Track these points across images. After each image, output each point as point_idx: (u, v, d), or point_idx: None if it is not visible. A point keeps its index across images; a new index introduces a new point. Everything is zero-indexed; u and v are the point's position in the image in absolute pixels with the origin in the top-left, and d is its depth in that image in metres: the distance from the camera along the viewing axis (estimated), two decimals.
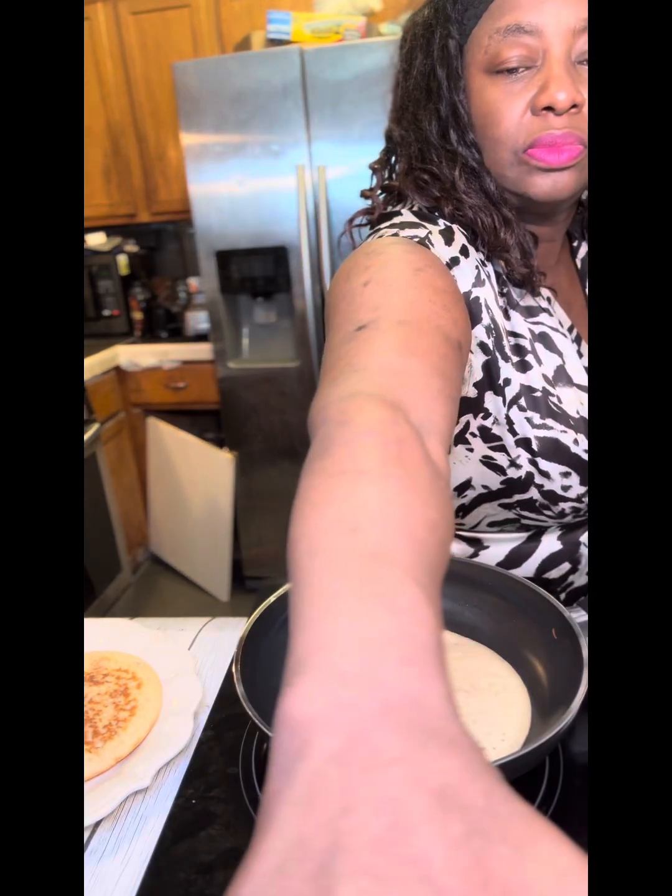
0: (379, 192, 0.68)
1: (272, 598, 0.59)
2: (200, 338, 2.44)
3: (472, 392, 0.62)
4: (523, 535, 0.69)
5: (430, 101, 0.61)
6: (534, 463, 0.62)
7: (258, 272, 2.09)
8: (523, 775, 0.46)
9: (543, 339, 0.63)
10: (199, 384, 2.39)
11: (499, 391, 0.61)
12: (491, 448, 0.63)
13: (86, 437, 2.11)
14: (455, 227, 0.61)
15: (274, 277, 2.09)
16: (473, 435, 0.64)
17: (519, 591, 0.60)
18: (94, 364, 2.27)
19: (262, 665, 0.55)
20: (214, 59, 1.96)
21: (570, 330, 0.66)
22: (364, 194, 0.68)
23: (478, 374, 0.61)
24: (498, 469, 0.64)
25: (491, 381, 0.61)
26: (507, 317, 0.62)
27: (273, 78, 1.90)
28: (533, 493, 0.63)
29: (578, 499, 0.63)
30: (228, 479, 2.29)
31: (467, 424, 0.63)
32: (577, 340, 0.66)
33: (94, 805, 0.48)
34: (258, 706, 0.47)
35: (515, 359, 0.61)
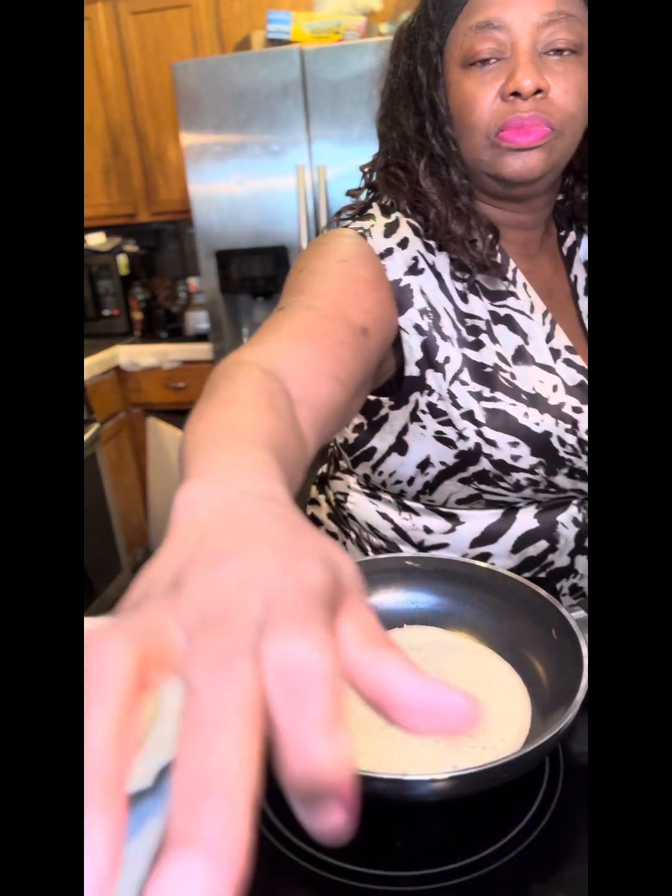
0: (364, 189, 0.74)
1: None
2: (200, 338, 2.44)
3: (415, 371, 0.66)
4: (497, 513, 0.71)
5: (411, 98, 0.67)
6: (480, 433, 0.65)
7: (258, 272, 2.09)
8: (523, 775, 0.46)
9: (507, 320, 0.68)
10: (199, 384, 2.39)
11: (438, 368, 0.66)
12: (440, 423, 0.67)
13: (86, 437, 2.10)
14: (405, 219, 0.67)
15: (274, 277, 2.09)
16: (423, 412, 0.68)
17: (519, 591, 0.60)
18: (94, 364, 2.27)
19: None
20: (214, 59, 1.96)
21: (544, 315, 0.69)
22: (349, 193, 0.75)
23: (418, 354, 0.65)
24: (449, 443, 0.67)
25: (429, 359, 0.66)
26: (465, 300, 0.67)
27: (273, 78, 1.90)
28: (484, 463, 0.66)
29: (531, 470, 0.66)
30: None
31: (416, 403, 0.68)
32: (552, 324, 0.69)
33: None
34: None
35: (470, 338, 0.66)
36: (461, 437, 0.66)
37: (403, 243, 0.66)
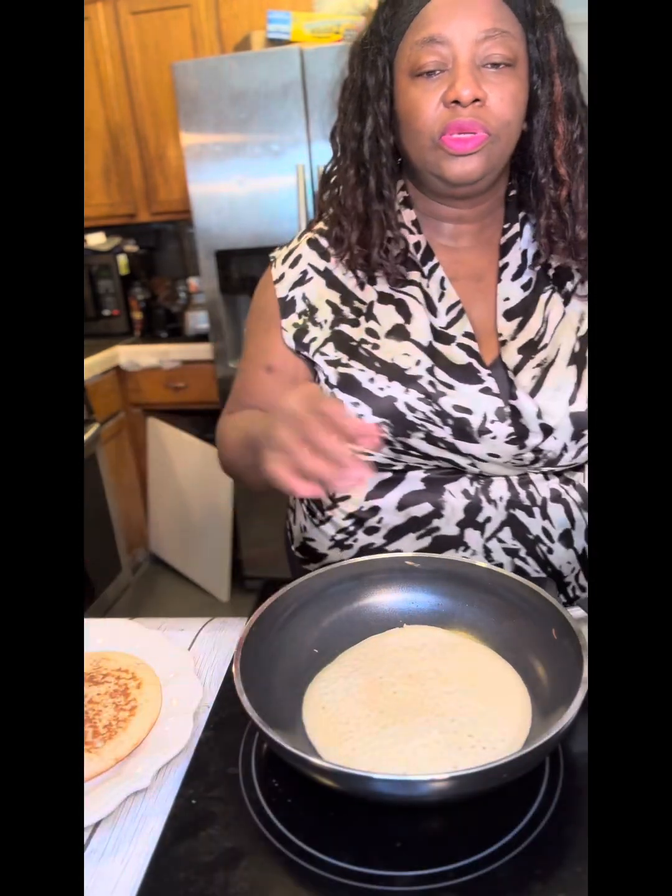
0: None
1: (272, 599, 0.59)
2: (200, 338, 2.44)
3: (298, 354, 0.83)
4: (388, 473, 0.80)
5: (358, 106, 0.76)
6: (332, 394, 0.77)
7: (258, 272, 2.07)
8: (523, 775, 0.46)
9: (398, 303, 0.78)
10: (199, 384, 2.39)
11: (306, 348, 0.81)
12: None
13: (86, 437, 2.10)
14: (307, 237, 0.85)
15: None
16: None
17: (519, 591, 0.60)
18: (94, 364, 2.27)
19: (262, 665, 0.55)
20: (214, 59, 1.96)
21: (453, 306, 0.78)
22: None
23: (291, 343, 0.82)
24: None
25: (299, 342, 0.81)
26: (362, 287, 0.81)
27: (273, 78, 1.90)
28: None
29: (377, 427, 0.73)
30: (228, 479, 2.28)
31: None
32: (460, 313, 0.77)
33: (94, 805, 0.48)
34: (258, 706, 0.47)
35: (350, 316, 0.79)
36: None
37: (295, 262, 0.84)
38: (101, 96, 2.41)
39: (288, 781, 0.50)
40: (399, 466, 0.78)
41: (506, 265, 0.79)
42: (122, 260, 2.61)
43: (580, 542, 0.80)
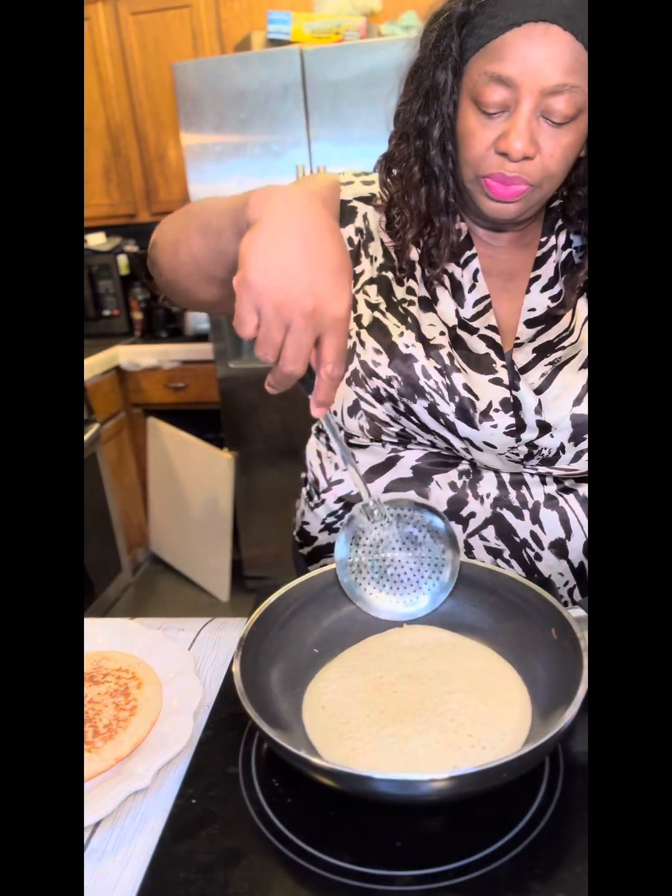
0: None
1: (272, 598, 0.59)
2: (200, 338, 2.44)
3: None
4: (384, 454, 0.79)
5: (426, 102, 0.72)
6: (358, 334, 0.75)
7: None
8: (523, 775, 0.46)
9: (427, 282, 0.77)
10: (199, 384, 2.39)
11: (353, 278, 0.75)
12: None
13: (86, 437, 2.10)
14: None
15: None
16: None
17: (519, 591, 0.60)
18: (94, 364, 2.27)
19: (262, 665, 0.55)
20: (214, 59, 1.96)
21: (481, 300, 0.77)
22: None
23: None
24: None
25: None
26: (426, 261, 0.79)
27: (273, 78, 1.90)
28: (355, 363, 0.75)
29: (388, 381, 0.73)
30: (228, 479, 2.28)
31: None
32: (487, 307, 0.77)
33: (94, 805, 0.48)
34: (258, 706, 0.47)
35: (398, 269, 0.77)
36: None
37: (369, 182, 0.81)
38: (101, 96, 2.41)
39: (288, 781, 0.50)
40: (394, 430, 0.77)
41: (538, 277, 0.78)
42: (122, 260, 2.61)
43: (577, 555, 0.78)
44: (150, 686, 0.60)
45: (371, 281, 0.78)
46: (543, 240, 0.79)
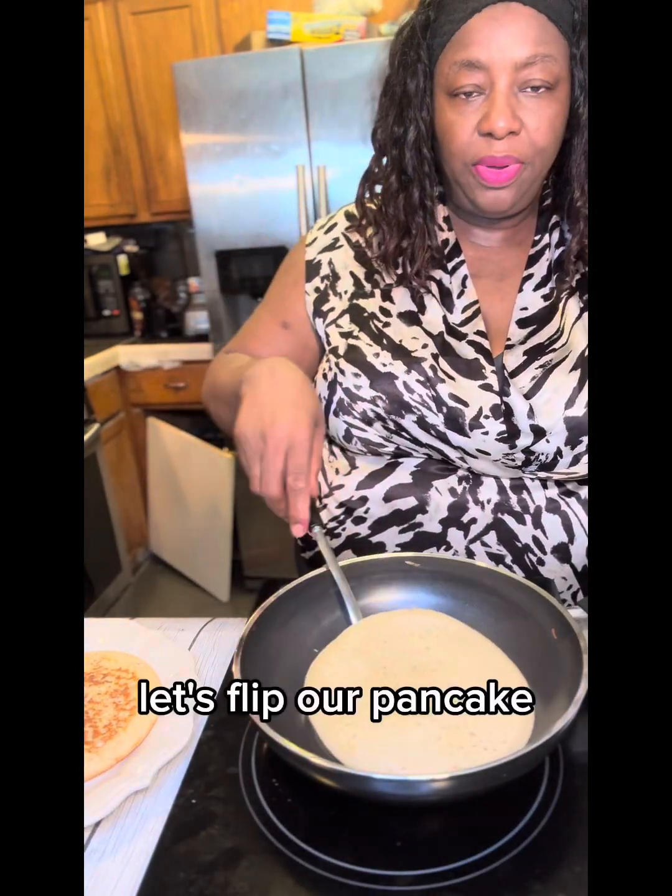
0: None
1: (272, 598, 0.59)
2: (200, 338, 2.44)
3: (312, 323, 0.86)
4: (381, 462, 0.80)
5: (400, 112, 0.73)
6: (337, 364, 0.78)
7: (258, 272, 2.08)
8: (523, 775, 0.46)
9: (414, 292, 0.79)
10: (199, 384, 2.37)
11: (323, 316, 0.83)
12: (323, 360, 0.82)
13: (86, 437, 2.10)
14: (348, 207, 0.86)
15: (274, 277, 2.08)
16: (319, 353, 0.87)
17: (519, 591, 0.60)
18: (94, 364, 2.27)
19: (263, 665, 0.55)
20: (214, 59, 1.96)
21: (470, 306, 0.78)
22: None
23: (311, 308, 0.85)
24: (324, 376, 0.80)
25: (317, 310, 0.84)
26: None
27: (273, 78, 1.90)
28: (338, 392, 0.77)
29: (372, 401, 0.74)
30: (228, 479, 2.29)
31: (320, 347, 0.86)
32: (475, 313, 0.77)
33: (94, 805, 0.48)
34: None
35: (367, 287, 0.81)
36: (328, 369, 0.79)
37: (330, 229, 0.86)
38: (101, 96, 2.41)
39: (288, 781, 0.50)
40: (390, 448, 0.78)
41: (531, 275, 0.78)
42: (122, 260, 2.61)
43: (580, 559, 0.77)
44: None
45: (343, 313, 0.81)
46: (537, 238, 0.79)
